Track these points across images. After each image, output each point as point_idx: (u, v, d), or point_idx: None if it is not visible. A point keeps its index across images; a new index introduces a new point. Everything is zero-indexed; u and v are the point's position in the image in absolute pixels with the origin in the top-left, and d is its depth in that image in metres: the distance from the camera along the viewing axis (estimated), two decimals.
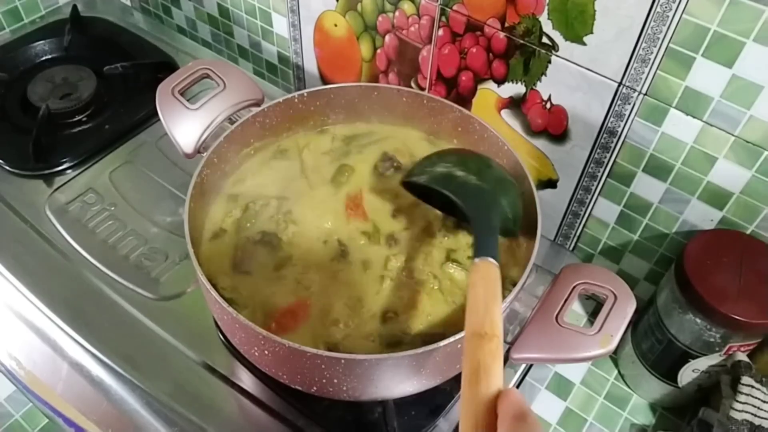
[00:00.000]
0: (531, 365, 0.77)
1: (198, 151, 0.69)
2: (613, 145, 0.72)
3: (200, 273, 0.57)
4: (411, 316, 0.61)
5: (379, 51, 0.88)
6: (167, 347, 0.73)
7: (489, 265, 0.52)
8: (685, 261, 0.67)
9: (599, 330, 0.52)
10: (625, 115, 0.69)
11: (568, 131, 0.75)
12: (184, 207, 0.62)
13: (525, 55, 0.73)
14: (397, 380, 0.56)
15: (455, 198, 0.61)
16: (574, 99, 0.72)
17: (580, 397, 0.79)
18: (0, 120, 0.97)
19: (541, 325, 0.54)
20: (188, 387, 0.70)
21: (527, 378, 0.77)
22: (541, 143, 0.79)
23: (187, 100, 0.70)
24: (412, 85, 0.88)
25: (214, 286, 0.56)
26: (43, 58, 1.08)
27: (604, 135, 0.72)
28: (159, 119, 0.70)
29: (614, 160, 0.73)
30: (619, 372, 0.81)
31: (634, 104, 0.68)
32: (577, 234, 0.84)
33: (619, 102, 0.68)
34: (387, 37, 0.86)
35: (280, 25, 0.99)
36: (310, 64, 1.01)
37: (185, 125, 0.69)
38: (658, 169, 0.71)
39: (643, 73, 0.65)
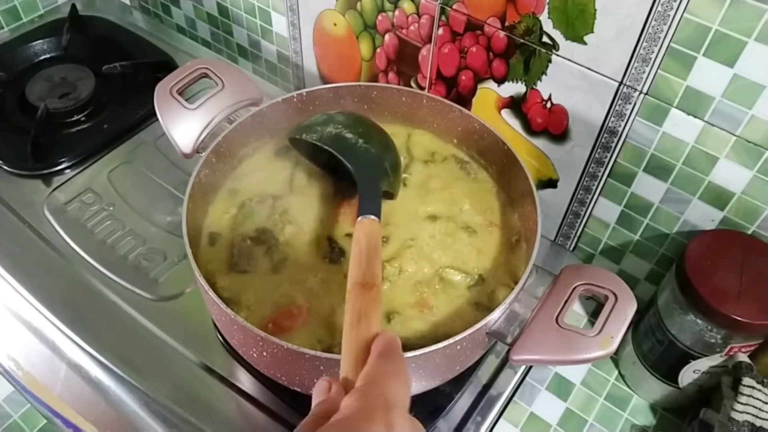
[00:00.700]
0: (531, 366, 0.77)
1: (196, 150, 0.69)
2: (613, 144, 0.72)
3: (198, 274, 0.57)
4: (409, 318, 0.61)
5: (378, 50, 0.88)
6: (166, 348, 0.73)
7: (372, 222, 0.57)
8: (686, 261, 0.67)
9: (600, 331, 0.52)
10: (625, 114, 0.69)
11: (569, 131, 0.75)
12: (182, 207, 0.62)
13: (525, 54, 0.72)
14: None
15: (345, 160, 0.65)
16: (574, 98, 0.72)
17: (580, 397, 0.79)
18: None
19: (542, 326, 0.53)
20: (187, 388, 0.70)
21: (527, 379, 0.77)
22: (541, 143, 0.78)
23: (186, 100, 0.70)
24: (412, 84, 0.87)
25: (212, 286, 0.56)
26: (42, 57, 1.07)
27: (605, 135, 0.72)
28: (158, 119, 0.69)
29: (615, 160, 0.73)
30: (619, 372, 0.81)
31: (634, 104, 0.67)
32: (578, 234, 0.84)
33: (619, 101, 0.68)
34: (387, 37, 0.85)
35: (280, 25, 0.99)
36: (310, 64, 1.00)
37: (183, 125, 0.69)
38: (658, 169, 0.70)
39: (643, 72, 0.64)
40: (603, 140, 0.72)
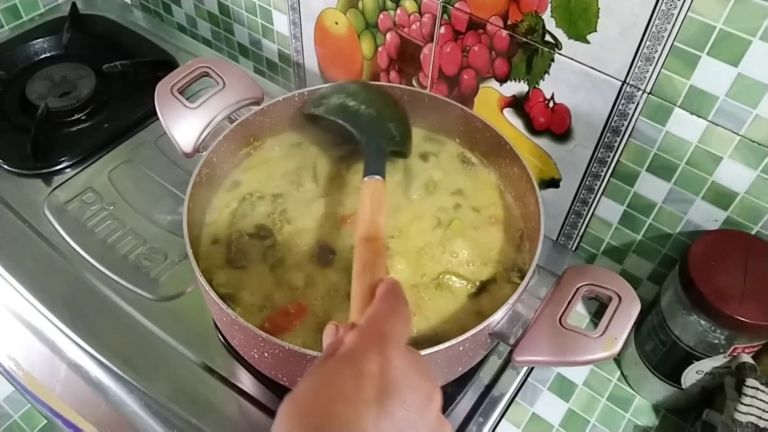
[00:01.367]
0: (533, 367, 0.76)
1: (197, 150, 0.69)
2: (616, 144, 0.71)
3: (199, 275, 0.56)
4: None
5: (380, 49, 0.87)
6: (166, 348, 0.72)
7: (376, 182, 0.61)
8: (689, 262, 0.66)
9: (603, 332, 0.51)
10: (628, 114, 0.68)
11: (571, 130, 0.74)
12: (183, 206, 0.62)
13: (528, 53, 0.72)
14: None
15: (348, 126, 0.70)
16: (577, 98, 0.71)
17: (582, 398, 0.78)
18: None
19: (545, 327, 0.53)
20: (187, 388, 0.69)
21: (529, 379, 0.77)
22: (543, 142, 0.78)
23: (187, 99, 0.70)
24: (414, 83, 0.87)
25: (210, 282, 0.56)
26: (42, 56, 1.07)
27: (608, 134, 0.71)
28: (158, 118, 0.69)
29: (618, 160, 0.73)
30: (621, 373, 0.80)
31: (638, 103, 0.67)
32: (580, 234, 0.83)
33: (622, 101, 0.68)
34: (388, 35, 0.85)
35: (281, 23, 0.98)
36: (311, 62, 1.00)
37: (184, 124, 0.68)
38: (662, 168, 0.70)
39: (647, 71, 0.64)
40: (606, 140, 0.72)
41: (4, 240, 0.82)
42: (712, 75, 0.60)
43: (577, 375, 0.80)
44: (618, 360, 0.81)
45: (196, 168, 0.65)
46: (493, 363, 0.73)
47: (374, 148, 0.66)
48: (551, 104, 0.74)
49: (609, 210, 0.78)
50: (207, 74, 0.72)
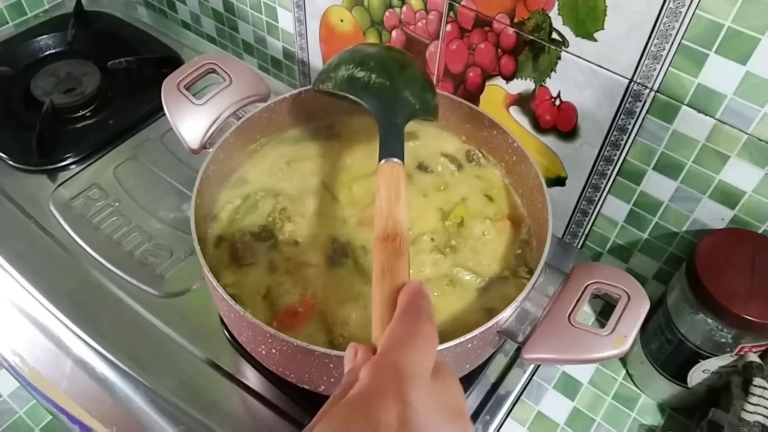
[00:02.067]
0: (539, 365, 0.76)
1: (204, 146, 0.69)
2: (623, 142, 0.71)
3: (207, 270, 0.56)
4: None
5: None
6: (172, 344, 0.72)
7: (392, 165, 0.54)
8: (696, 260, 0.66)
9: (612, 330, 0.51)
10: (635, 112, 0.68)
11: (578, 128, 0.74)
12: (189, 203, 0.62)
13: (534, 51, 0.72)
14: None
15: (360, 101, 0.63)
16: (583, 96, 0.71)
17: (587, 397, 0.78)
18: (3, 115, 0.96)
19: (553, 325, 0.53)
20: (193, 385, 0.69)
21: (535, 378, 0.77)
22: (549, 140, 0.78)
23: (193, 95, 0.70)
24: None
25: (217, 280, 0.56)
26: (47, 52, 1.07)
27: (615, 132, 0.71)
28: (163, 114, 0.69)
29: (624, 158, 0.72)
30: (627, 372, 0.80)
31: (645, 101, 0.67)
32: (586, 232, 0.83)
33: (629, 99, 0.68)
34: (394, 33, 0.85)
35: (286, 21, 0.98)
36: (316, 60, 1.00)
37: (191, 120, 0.68)
38: (668, 167, 0.70)
39: (654, 69, 0.64)
40: (612, 138, 0.72)
41: (9, 236, 0.82)
42: (720, 73, 0.60)
43: (582, 373, 0.80)
44: (623, 359, 0.81)
45: (203, 165, 0.65)
46: (500, 361, 0.73)
47: (389, 124, 0.59)
48: (558, 102, 0.74)
49: (615, 208, 0.78)
50: (213, 71, 0.72)
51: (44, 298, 0.76)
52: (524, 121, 0.79)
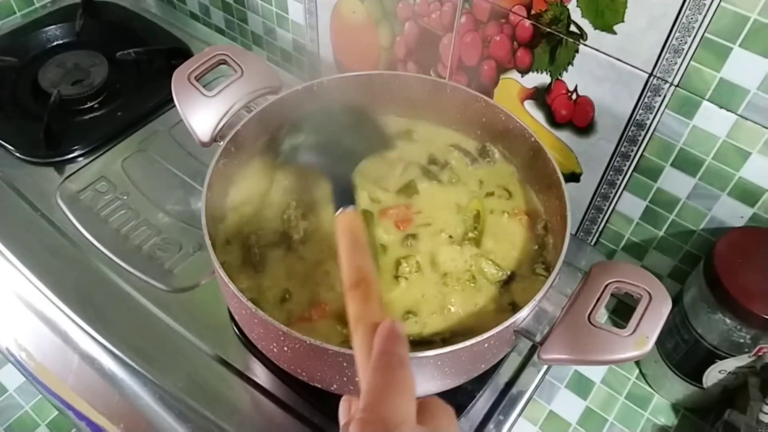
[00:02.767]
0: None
1: (214, 139, 0.67)
2: (640, 138, 0.70)
3: (218, 265, 0.55)
4: (431, 315, 0.60)
5: (398, 39, 0.86)
6: (180, 340, 0.71)
7: (346, 215, 0.56)
8: (714, 259, 0.65)
9: (634, 331, 0.50)
10: (654, 107, 0.67)
11: (594, 123, 0.73)
12: (198, 197, 0.61)
13: (551, 43, 0.70)
14: (420, 380, 0.54)
15: (308, 166, 0.68)
16: (601, 90, 0.70)
17: (600, 396, 0.77)
18: (11, 106, 0.95)
19: (572, 325, 0.51)
20: (202, 381, 0.68)
21: (547, 377, 0.75)
22: (565, 135, 0.77)
23: (203, 87, 0.69)
24: (432, 74, 0.86)
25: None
26: (55, 43, 1.06)
27: (632, 128, 0.70)
28: (172, 107, 0.68)
29: (641, 154, 0.71)
30: (640, 371, 0.79)
31: (664, 96, 0.65)
32: (600, 229, 0.82)
33: (649, 93, 0.66)
34: (407, 25, 0.83)
35: (296, 12, 0.97)
36: (326, 52, 0.98)
37: (201, 113, 0.67)
38: (687, 163, 0.68)
39: (675, 63, 0.63)
40: (630, 133, 0.70)
41: (16, 229, 0.81)
42: (743, 68, 0.59)
43: (595, 373, 0.79)
44: None
45: (214, 158, 0.64)
46: (513, 361, 0.71)
47: (338, 177, 0.61)
48: (574, 96, 0.72)
49: (630, 205, 0.76)
50: (224, 62, 0.70)
51: (51, 292, 0.75)
52: (539, 116, 0.77)
